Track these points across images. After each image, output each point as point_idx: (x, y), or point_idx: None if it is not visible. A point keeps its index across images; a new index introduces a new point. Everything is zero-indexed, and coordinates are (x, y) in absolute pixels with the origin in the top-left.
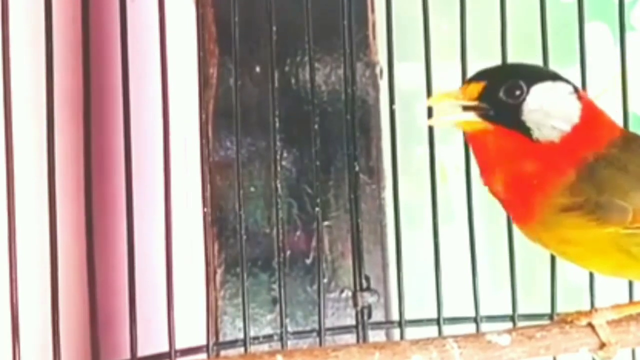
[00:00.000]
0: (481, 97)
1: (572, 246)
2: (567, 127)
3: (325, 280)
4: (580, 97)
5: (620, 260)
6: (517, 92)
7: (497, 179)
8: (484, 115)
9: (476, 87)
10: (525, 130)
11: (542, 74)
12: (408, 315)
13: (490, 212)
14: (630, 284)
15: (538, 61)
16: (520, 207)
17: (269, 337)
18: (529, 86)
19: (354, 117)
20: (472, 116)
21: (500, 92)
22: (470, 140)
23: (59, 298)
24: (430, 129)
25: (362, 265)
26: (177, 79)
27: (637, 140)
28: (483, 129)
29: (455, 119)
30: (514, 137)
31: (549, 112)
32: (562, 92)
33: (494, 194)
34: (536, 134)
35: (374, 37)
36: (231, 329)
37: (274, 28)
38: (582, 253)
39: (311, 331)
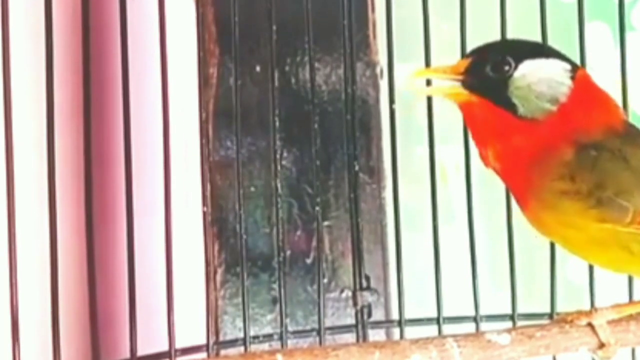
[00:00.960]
0: (468, 71)
1: (574, 230)
2: (551, 107)
3: (326, 280)
4: (576, 77)
5: (620, 255)
6: (506, 68)
7: (489, 153)
8: (469, 86)
9: (464, 63)
10: (510, 106)
11: (535, 51)
12: (408, 315)
13: (490, 211)
14: (630, 283)
15: None
16: (517, 182)
17: (269, 337)
18: (517, 62)
19: (354, 117)
20: (454, 85)
21: (487, 67)
22: (462, 112)
23: (59, 298)
24: (431, 129)
25: (362, 264)
26: (177, 79)
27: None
28: (469, 101)
29: (437, 87)
30: (499, 112)
31: (535, 89)
32: (553, 70)
33: (495, 171)
34: (521, 110)
35: (374, 37)
36: (231, 328)
37: (274, 28)
38: (583, 241)
39: (311, 330)
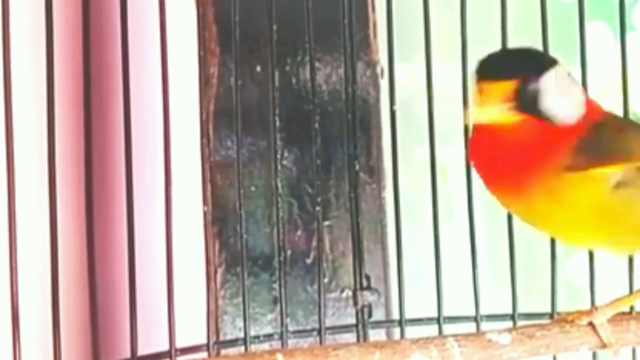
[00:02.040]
0: (518, 94)
1: (563, 207)
2: (583, 109)
3: (326, 280)
4: None
5: (597, 235)
6: (537, 84)
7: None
8: (521, 109)
9: (510, 86)
10: (547, 118)
11: (546, 61)
12: (408, 314)
13: (491, 211)
14: (631, 282)
15: None
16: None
17: (269, 336)
18: (539, 75)
19: (355, 117)
20: (504, 110)
21: (527, 87)
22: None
23: (60, 297)
24: (431, 128)
25: (363, 264)
26: (178, 79)
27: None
28: (516, 122)
29: (494, 114)
30: (539, 124)
31: (563, 96)
32: (565, 76)
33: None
34: (557, 119)
35: (375, 37)
36: (231, 328)
37: (275, 27)
38: (564, 219)
39: (312, 330)
